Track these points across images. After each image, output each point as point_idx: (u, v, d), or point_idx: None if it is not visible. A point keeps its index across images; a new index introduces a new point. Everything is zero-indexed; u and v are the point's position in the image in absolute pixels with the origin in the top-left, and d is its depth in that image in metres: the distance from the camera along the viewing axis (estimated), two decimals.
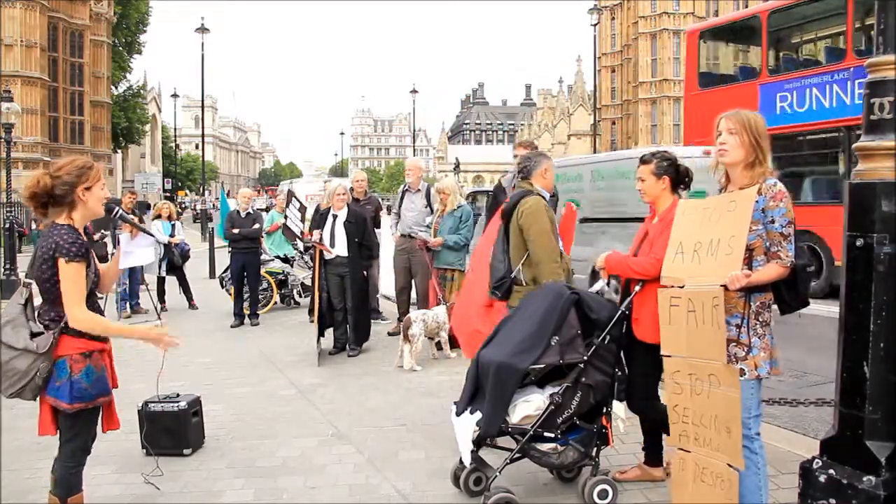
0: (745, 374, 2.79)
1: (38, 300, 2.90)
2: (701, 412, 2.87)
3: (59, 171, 2.84)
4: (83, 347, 2.85)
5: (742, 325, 2.80)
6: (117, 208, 3.05)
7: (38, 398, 2.84)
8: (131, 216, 3.17)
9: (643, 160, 3.53)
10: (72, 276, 2.76)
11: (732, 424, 2.75)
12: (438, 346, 6.82)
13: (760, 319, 2.81)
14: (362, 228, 7.05)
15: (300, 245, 10.30)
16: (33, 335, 2.79)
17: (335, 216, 7.06)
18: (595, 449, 3.42)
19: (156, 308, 9.01)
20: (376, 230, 8.46)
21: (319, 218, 7.24)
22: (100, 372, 2.90)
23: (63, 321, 2.81)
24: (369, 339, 7.28)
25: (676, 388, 2.96)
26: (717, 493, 2.81)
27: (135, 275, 9.78)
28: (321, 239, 6.95)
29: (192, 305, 10.31)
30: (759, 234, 2.77)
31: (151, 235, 3.29)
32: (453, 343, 6.46)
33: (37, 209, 2.87)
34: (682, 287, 2.91)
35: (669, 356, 2.99)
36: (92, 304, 2.91)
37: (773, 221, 2.75)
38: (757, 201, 2.75)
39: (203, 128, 36.48)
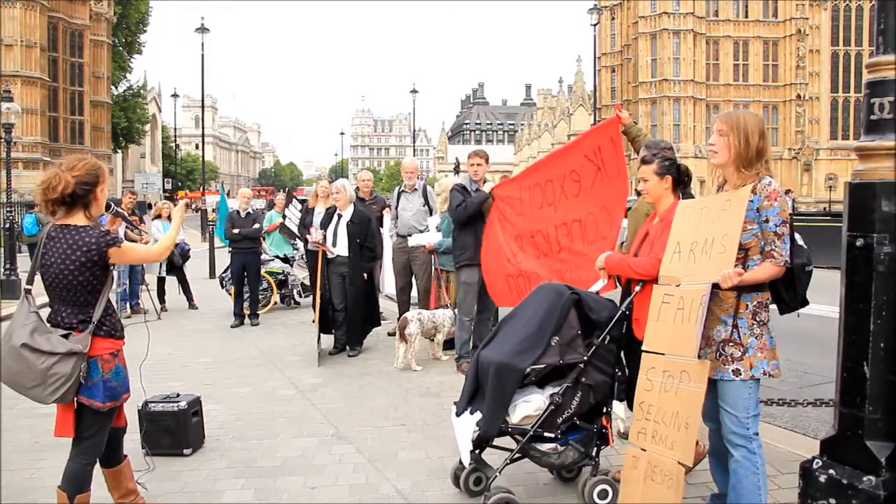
0: (740, 374, 2.79)
1: (38, 300, 2.91)
2: (665, 409, 2.88)
3: (76, 172, 2.83)
4: (111, 347, 2.91)
5: (738, 324, 2.80)
6: (111, 205, 3.10)
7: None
8: (122, 211, 3.22)
9: (645, 161, 3.52)
10: (130, 250, 3.10)
11: (691, 420, 2.77)
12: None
13: (757, 319, 2.81)
14: (365, 229, 7.03)
15: (300, 245, 10.29)
16: (66, 338, 2.80)
17: (340, 216, 7.06)
18: (595, 449, 3.42)
19: (156, 308, 9.03)
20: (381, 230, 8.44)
21: (325, 217, 7.24)
22: (125, 370, 3.00)
23: (93, 323, 2.83)
24: (369, 339, 7.27)
25: (647, 385, 2.98)
26: (664, 492, 2.83)
27: (135, 275, 9.79)
28: (325, 238, 6.95)
29: (192, 305, 10.31)
30: (755, 234, 2.78)
31: (141, 231, 3.50)
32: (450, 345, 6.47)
33: (49, 208, 2.85)
34: (678, 286, 2.91)
35: (648, 352, 3.00)
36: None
37: (767, 221, 2.75)
38: (751, 201, 2.75)
39: (203, 128, 36.46)
